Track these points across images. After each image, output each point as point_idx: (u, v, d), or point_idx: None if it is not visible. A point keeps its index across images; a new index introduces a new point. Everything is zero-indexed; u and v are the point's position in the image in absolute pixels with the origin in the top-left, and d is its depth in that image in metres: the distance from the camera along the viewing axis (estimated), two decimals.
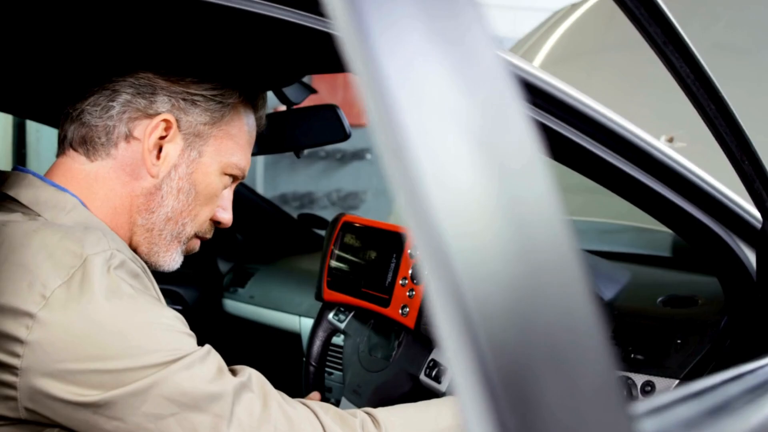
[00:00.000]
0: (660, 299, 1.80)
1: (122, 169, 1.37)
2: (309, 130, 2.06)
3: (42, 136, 3.58)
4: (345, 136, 2.05)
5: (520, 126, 0.51)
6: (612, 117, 1.36)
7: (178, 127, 1.39)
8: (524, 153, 0.51)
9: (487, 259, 0.48)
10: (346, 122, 2.03)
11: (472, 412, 0.47)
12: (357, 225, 1.84)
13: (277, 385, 2.45)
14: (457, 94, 0.49)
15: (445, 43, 0.50)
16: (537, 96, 1.28)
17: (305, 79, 2.00)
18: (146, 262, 1.41)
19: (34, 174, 1.37)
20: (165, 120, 1.37)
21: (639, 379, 1.63)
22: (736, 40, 3.17)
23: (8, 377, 1.16)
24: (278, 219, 3.06)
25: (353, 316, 1.88)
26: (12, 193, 1.34)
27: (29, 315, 1.16)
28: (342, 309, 1.91)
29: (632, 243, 2.88)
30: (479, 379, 0.47)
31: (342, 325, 1.89)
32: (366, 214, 5.49)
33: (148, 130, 1.37)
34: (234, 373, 1.25)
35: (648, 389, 1.62)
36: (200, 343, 1.39)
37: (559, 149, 1.39)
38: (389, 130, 0.48)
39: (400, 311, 1.66)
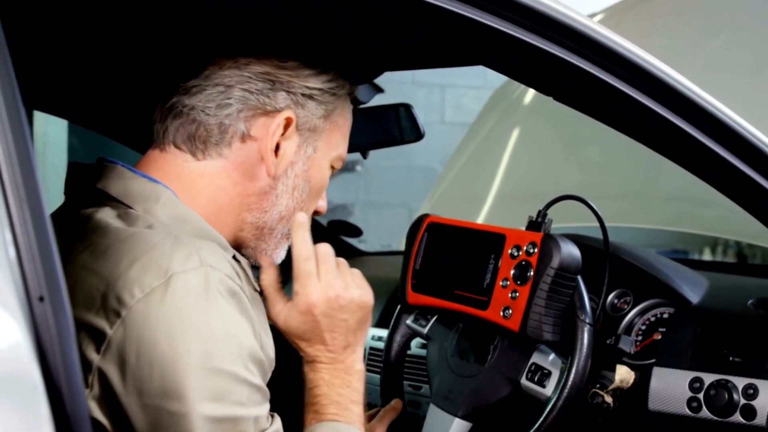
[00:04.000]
0: (750, 302, 1.79)
1: (235, 169, 1.32)
2: (380, 130, 2.02)
3: (48, 142, 3.50)
4: (419, 136, 2.01)
5: None
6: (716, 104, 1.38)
7: (296, 123, 1.33)
8: None
9: None
10: (421, 121, 2.00)
11: None
12: (444, 225, 1.79)
13: None
14: None
15: None
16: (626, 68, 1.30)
17: None
18: (249, 257, 1.36)
19: (123, 165, 1.30)
20: (287, 118, 1.32)
21: (740, 382, 1.62)
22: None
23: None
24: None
25: (437, 320, 1.83)
26: (100, 185, 1.27)
27: (101, 336, 1.10)
28: (422, 313, 1.86)
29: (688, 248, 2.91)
30: None
31: (424, 330, 1.84)
32: None
33: (271, 130, 1.31)
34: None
35: (751, 392, 1.60)
36: None
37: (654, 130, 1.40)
38: None
39: (502, 314, 1.62)
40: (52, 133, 3.50)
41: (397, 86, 5.35)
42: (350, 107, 1.44)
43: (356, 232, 3.01)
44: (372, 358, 2.37)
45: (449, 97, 5.76)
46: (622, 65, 1.31)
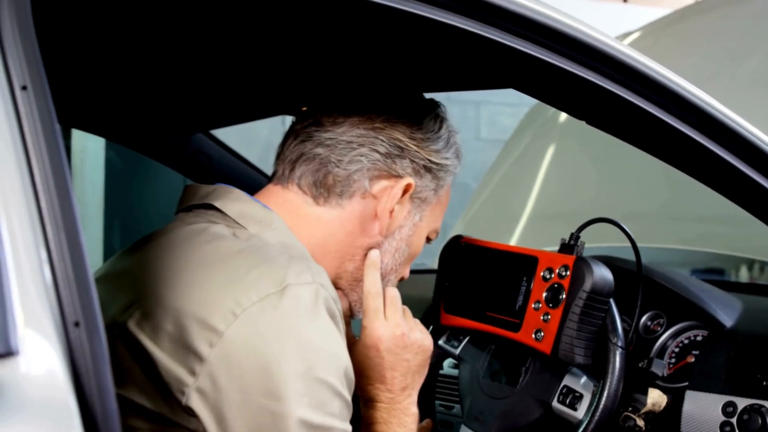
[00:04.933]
0: None
1: (350, 221, 1.39)
2: None
3: (86, 158, 3.55)
4: None
5: None
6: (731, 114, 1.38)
7: (413, 191, 1.42)
8: None
9: None
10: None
11: None
12: (477, 246, 1.80)
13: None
14: None
15: None
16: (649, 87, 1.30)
17: None
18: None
19: (240, 190, 1.38)
20: (407, 184, 1.41)
21: None
22: None
23: (180, 397, 1.14)
24: None
25: (469, 341, 1.84)
26: (219, 204, 1.35)
27: (216, 331, 1.14)
28: (455, 334, 1.86)
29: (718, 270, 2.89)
30: None
31: (456, 351, 1.85)
32: None
33: (393, 192, 1.40)
34: None
35: None
36: None
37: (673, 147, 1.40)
38: None
39: (534, 336, 1.62)
40: (90, 148, 3.54)
41: None
42: (451, 182, 1.52)
43: None
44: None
45: (484, 114, 5.76)
46: (653, 89, 1.31)
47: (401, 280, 1.53)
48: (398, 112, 1.42)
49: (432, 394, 1.88)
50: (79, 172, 3.51)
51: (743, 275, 5.78)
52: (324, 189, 1.38)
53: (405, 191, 1.41)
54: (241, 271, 1.19)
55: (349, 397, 1.22)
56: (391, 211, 1.41)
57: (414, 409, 1.47)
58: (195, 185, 1.42)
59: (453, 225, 3.62)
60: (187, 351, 1.13)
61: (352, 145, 1.38)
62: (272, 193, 1.41)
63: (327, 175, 1.38)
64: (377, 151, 1.39)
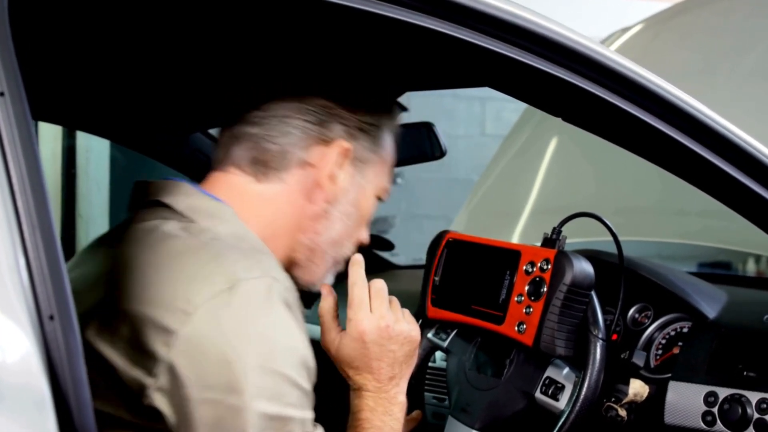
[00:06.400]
0: (766, 317, 1.80)
1: (293, 193, 1.41)
2: (403, 148, 2.07)
3: (91, 157, 3.59)
4: (441, 154, 2.06)
5: None
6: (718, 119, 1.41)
7: (351, 153, 1.43)
8: None
9: None
10: (443, 140, 2.04)
11: None
12: (463, 242, 1.84)
13: None
14: None
15: None
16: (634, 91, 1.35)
17: None
18: (298, 279, 1.44)
19: (189, 182, 1.39)
20: (342, 147, 1.41)
21: (754, 396, 1.63)
22: None
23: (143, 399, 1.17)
24: None
25: (456, 334, 1.87)
26: (168, 200, 1.36)
27: (170, 332, 1.17)
28: (443, 327, 1.90)
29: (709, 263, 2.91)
30: None
31: (444, 344, 1.89)
32: (395, 239, 5.45)
33: (327, 157, 1.41)
34: None
35: (764, 406, 1.62)
36: None
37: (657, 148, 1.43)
38: None
39: (516, 328, 1.66)
40: (95, 147, 3.59)
41: (437, 99, 5.39)
42: (393, 139, 1.54)
43: (388, 246, 3.05)
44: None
45: (489, 110, 5.78)
46: (625, 85, 1.34)
47: (361, 245, 1.54)
48: (321, 85, 1.43)
49: (421, 386, 1.92)
50: (84, 171, 3.56)
51: (751, 267, 5.77)
52: (262, 166, 1.39)
53: (343, 155, 1.42)
54: (192, 269, 1.22)
55: (308, 386, 1.25)
56: (333, 177, 1.42)
57: (401, 398, 1.50)
58: (143, 181, 1.43)
59: (454, 219, 3.64)
60: (144, 353, 1.16)
61: (281, 119, 1.40)
62: (216, 180, 1.42)
63: (262, 152, 1.39)
64: (306, 120, 1.40)
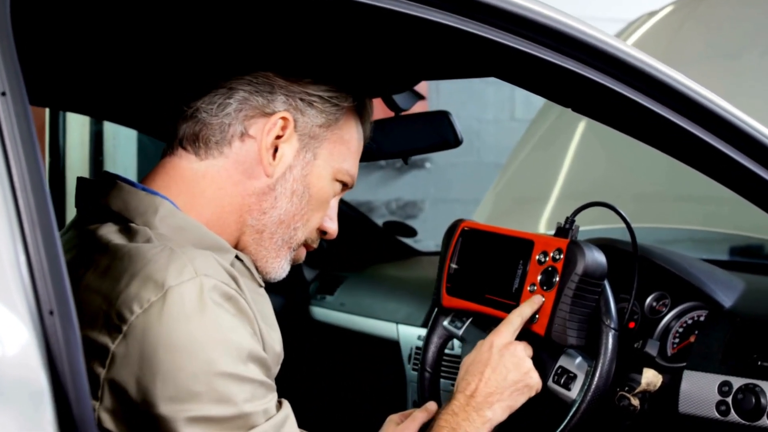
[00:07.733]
0: None
1: (234, 168, 1.37)
2: (419, 137, 2.08)
3: (119, 144, 3.63)
4: (457, 143, 2.06)
5: None
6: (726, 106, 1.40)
7: (295, 127, 1.39)
8: None
9: None
10: (459, 128, 2.04)
11: None
12: (478, 231, 1.84)
13: (381, 391, 2.46)
14: None
15: None
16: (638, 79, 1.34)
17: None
18: (258, 269, 1.41)
19: (123, 179, 1.36)
20: (283, 118, 1.37)
21: None
22: None
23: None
24: (364, 226, 3.08)
25: (471, 322, 1.88)
26: (104, 200, 1.34)
27: (106, 349, 1.17)
28: (458, 315, 1.91)
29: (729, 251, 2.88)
30: None
31: (459, 332, 1.89)
32: (424, 223, 5.48)
33: (266, 129, 1.37)
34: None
35: None
36: (289, 350, 1.42)
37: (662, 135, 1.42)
38: None
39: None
40: (122, 133, 3.62)
41: (467, 83, 5.37)
42: (359, 123, 1.49)
43: (411, 232, 3.07)
44: (416, 358, 2.43)
45: (519, 94, 5.75)
46: (632, 75, 1.34)
47: (325, 236, 1.49)
48: (271, 59, 1.40)
49: (437, 375, 1.92)
50: (111, 158, 3.59)
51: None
52: (203, 142, 1.36)
53: (285, 127, 1.38)
54: (123, 282, 1.19)
55: (261, 376, 1.23)
56: (276, 151, 1.38)
57: (488, 417, 1.57)
58: (84, 179, 1.42)
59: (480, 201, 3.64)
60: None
61: (222, 91, 1.36)
62: (161, 167, 1.39)
63: (202, 127, 1.36)
64: (245, 91, 1.36)
